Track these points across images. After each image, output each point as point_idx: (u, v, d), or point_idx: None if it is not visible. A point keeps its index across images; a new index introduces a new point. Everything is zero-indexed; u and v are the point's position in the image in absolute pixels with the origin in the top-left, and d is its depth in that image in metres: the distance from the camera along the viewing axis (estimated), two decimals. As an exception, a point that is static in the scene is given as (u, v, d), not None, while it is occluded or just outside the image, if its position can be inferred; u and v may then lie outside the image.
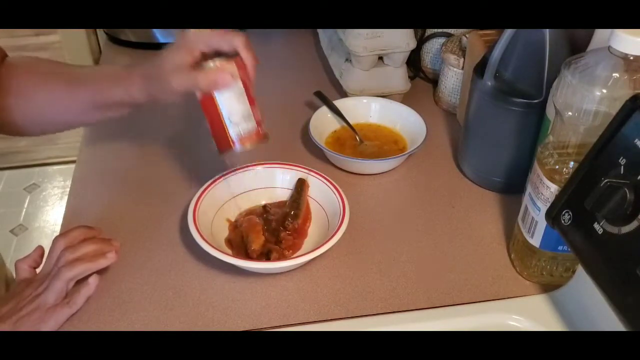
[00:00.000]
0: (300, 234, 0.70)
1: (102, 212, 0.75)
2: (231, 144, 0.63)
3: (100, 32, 1.25)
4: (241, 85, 0.62)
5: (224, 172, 0.73)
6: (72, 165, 0.85)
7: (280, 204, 0.74)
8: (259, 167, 0.75)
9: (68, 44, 1.54)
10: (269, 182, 0.75)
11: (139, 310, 0.63)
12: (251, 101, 0.63)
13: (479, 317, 0.62)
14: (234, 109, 0.62)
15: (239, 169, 0.74)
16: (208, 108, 0.62)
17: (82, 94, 0.68)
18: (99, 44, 1.31)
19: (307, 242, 0.70)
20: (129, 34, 1.13)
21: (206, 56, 0.62)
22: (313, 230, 0.71)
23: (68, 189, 0.80)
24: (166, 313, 0.62)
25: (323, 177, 0.74)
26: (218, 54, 0.62)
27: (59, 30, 1.79)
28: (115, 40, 1.15)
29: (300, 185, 0.74)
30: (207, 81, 0.60)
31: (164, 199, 0.77)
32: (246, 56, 0.61)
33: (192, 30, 0.61)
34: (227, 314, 0.62)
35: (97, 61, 1.28)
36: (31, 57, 0.73)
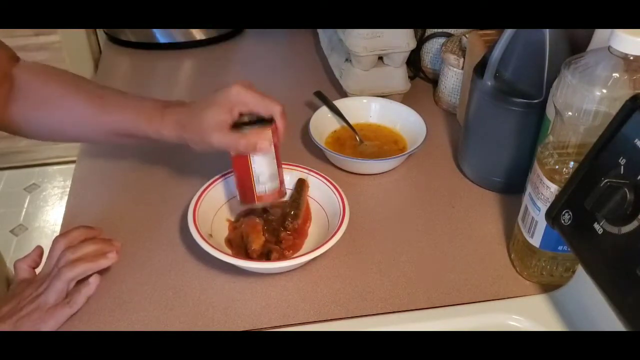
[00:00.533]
0: (300, 234, 0.70)
1: (102, 212, 0.75)
2: (255, 199, 0.69)
3: (100, 32, 1.25)
4: (274, 150, 0.66)
5: (224, 172, 0.73)
6: (72, 165, 0.85)
7: (280, 204, 0.74)
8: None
9: (68, 44, 1.54)
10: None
11: (139, 310, 0.63)
12: (279, 163, 0.68)
13: (479, 317, 0.62)
14: (264, 171, 0.67)
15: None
16: (240, 165, 0.66)
17: (105, 117, 0.68)
18: (99, 44, 1.31)
19: (307, 242, 0.70)
20: (129, 34, 1.13)
21: (242, 115, 0.65)
22: (313, 230, 0.71)
23: (68, 189, 0.80)
24: (166, 313, 0.62)
25: (323, 177, 0.74)
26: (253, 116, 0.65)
27: (59, 30, 1.78)
28: (115, 40, 1.15)
29: (300, 185, 0.74)
30: (247, 145, 0.63)
31: (164, 199, 0.77)
32: (281, 124, 0.65)
33: (234, 90, 0.64)
34: (227, 314, 0.62)
35: (97, 61, 1.28)
36: (52, 67, 0.72)
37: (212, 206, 0.71)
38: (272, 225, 0.70)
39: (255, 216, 0.71)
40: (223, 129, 0.63)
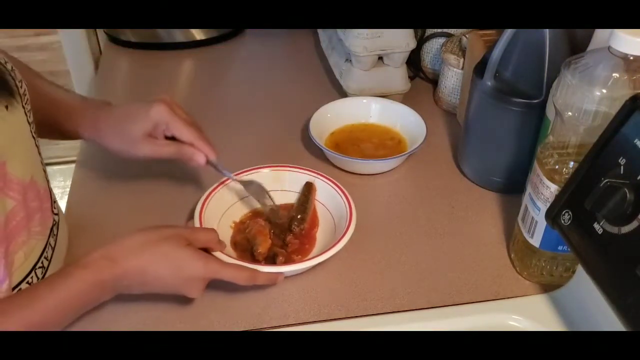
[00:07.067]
0: (307, 238, 0.70)
1: (102, 212, 0.75)
2: None
3: (100, 32, 1.25)
4: None
5: (231, 175, 0.72)
6: (72, 165, 0.85)
7: (287, 207, 0.73)
8: (266, 170, 0.75)
9: (68, 44, 1.54)
10: (276, 185, 0.75)
11: (139, 310, 0.63)
12: None
13: (479, 317, 0.62)
14: None
15: (246, 171, 0.74)
16: None
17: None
18: (99, 44, 1.31)
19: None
20: (129, 34, 1.13)
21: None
22: (320, 234, 0.71)
23: (68, 189, 0.80)
24: (166, 313, 0.62)
25: (330, 180, 0.73)
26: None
27: (59, 30, 1.78)
28: (115, 41, 1.15)
29: (308, 189, 0.73)
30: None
31: (166, 201, 0.77)
32: (204, 146, 0.68)
33: (156, 110, 0.67)
34: (227, 314, 0.62)
35: (97, 61, 1.28)
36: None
37: (219, 209, 0.70)
38: (279, 229, 0.70)
39: (262, 219, 0.71)
40: (147, 139, 0.67)
